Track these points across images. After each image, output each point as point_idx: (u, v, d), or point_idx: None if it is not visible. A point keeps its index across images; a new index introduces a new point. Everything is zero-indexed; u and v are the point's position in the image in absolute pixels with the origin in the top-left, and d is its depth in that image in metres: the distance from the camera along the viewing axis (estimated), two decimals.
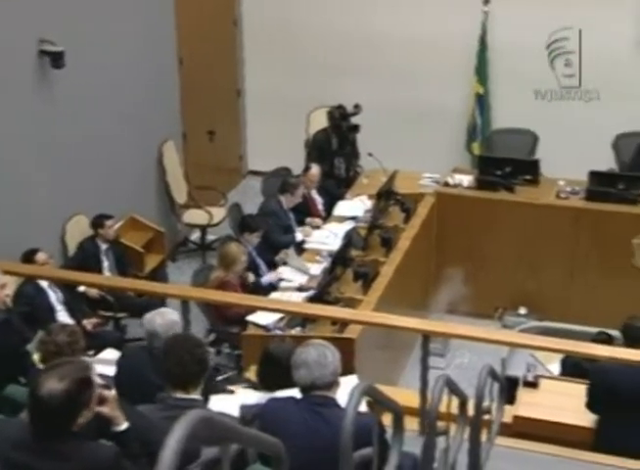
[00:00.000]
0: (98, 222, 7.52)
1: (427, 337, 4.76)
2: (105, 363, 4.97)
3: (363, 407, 3.66)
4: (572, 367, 5.79)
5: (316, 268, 7.24)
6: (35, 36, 7.03)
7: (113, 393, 3.32)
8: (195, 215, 9.21)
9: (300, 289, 6.94)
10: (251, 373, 5.20)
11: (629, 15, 8.96)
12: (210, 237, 9.32)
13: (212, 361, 5.51)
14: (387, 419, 3.43)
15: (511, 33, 9.27)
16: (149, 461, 3.07)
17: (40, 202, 7.20)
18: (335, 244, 7.44)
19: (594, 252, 7.89)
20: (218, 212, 9.18)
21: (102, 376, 3.76)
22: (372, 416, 3.47)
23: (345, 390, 2.93)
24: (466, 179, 8.43)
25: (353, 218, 8.04)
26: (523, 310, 8.07)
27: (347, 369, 4.10)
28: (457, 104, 9.79)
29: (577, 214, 7.94)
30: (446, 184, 8.43)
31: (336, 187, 8.92)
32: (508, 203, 8.09)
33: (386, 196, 7.96)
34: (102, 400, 3.12)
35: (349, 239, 7.26)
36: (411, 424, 4.09)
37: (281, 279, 7.19)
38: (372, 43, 9.86)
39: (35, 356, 4.52)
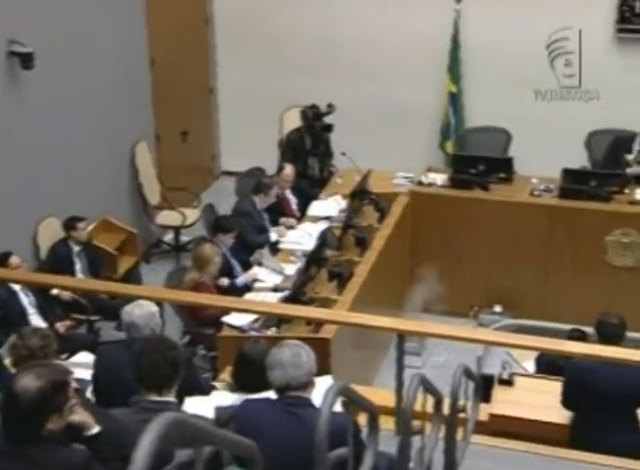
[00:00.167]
0: (70, 224, 7.47)
1: (402, 336, 4.75)
2: (78, 366, 4.92)
3: (338, 407, 3.64)
4: (547, 365, 5.81)
5: (291, 268, 7.22)
6: (4, 37, 6.97)
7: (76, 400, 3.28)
8: (168, 217, 9.16)
9: (275, 289, 6.92)
10: (227, 374, 5.18)
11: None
12: (184, 238, 9.28)
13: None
14: (362, 419, 3.42)
15: (483, 32, 9.31)
16: (122, 465, 3.04)
17: (11, 204, 7.13)
18: (309, 244, 7.42)
19: (568, 249, 7.92)
20: (192, 213, 9.13)
21: (76, 379, 3.71)
22: (347, 416, 3.47)
23: (321, 390, 2.91)
24: (440, 178, 8.44)
25: (328, 218, 8.02)
26: (498, 308, 8.08)
27: (323, 369, 4.08)
28: (430, 103, 9.80)
29: (551, 212, 7.96)
30: (420, 183, 8.44)
31: (310, 187, 8.91)
32: (482, 201, 8.11)
33: (360, 195, 7.96)
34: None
35: (324, 239, 7.24)
36: (387, 424, 4.07)
37: (256, 280, 7.18)
38: (344, 42, 9.86)
39: (7, 361, 4.47)
